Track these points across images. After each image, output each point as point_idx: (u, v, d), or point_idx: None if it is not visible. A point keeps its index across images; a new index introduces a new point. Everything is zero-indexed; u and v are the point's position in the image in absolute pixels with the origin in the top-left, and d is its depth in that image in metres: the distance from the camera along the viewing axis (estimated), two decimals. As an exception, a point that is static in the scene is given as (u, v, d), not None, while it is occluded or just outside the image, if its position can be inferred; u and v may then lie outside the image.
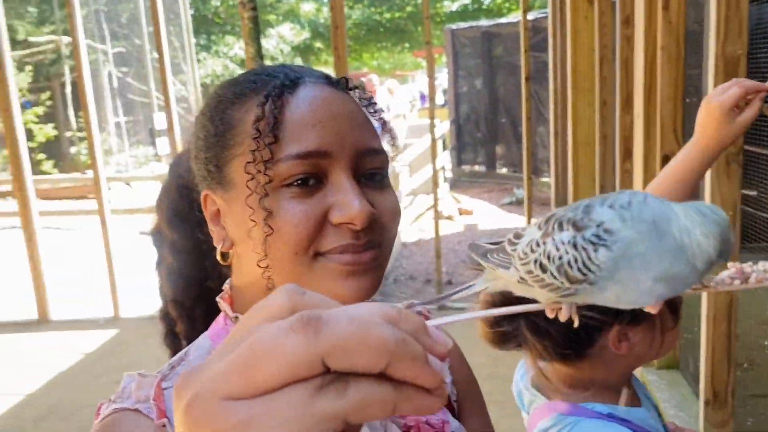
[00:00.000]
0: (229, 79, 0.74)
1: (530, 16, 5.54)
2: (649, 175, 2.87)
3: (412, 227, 7.65)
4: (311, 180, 0.66)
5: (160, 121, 9.15)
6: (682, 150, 1.15)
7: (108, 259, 5.02)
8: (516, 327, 1.08)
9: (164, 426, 0.63)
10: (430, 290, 5.57)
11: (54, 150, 13.03)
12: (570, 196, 4.92)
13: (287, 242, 0.65)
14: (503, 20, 12.22)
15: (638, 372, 1.24)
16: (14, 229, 6.97)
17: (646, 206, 0.47)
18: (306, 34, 19.12)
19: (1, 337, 4.89)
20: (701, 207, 0.47)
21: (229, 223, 0.70)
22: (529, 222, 4.74)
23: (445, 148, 10.27)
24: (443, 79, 14.03)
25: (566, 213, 0.50)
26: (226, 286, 0.77)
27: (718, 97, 1.09)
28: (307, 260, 0.66)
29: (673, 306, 1.13)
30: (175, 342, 0.87)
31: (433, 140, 4.96)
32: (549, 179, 6.86)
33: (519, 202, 8.25)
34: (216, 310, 0.77)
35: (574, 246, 0.47)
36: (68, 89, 12.97)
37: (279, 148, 0.65)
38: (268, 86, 0.68)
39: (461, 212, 8.28)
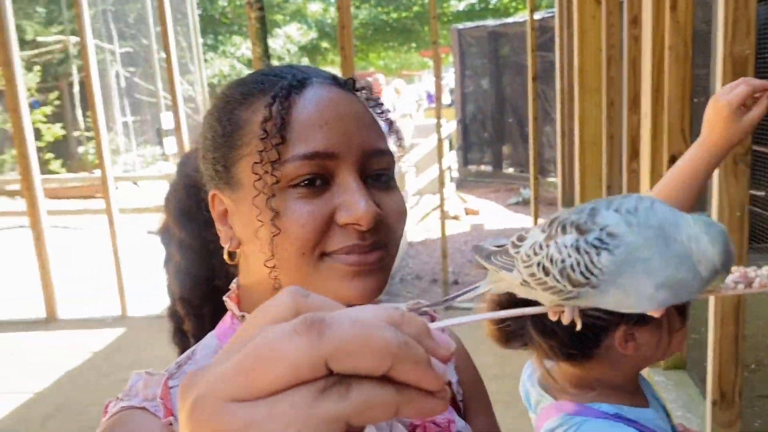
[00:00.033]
0: (236, 80, 0.74)
1: (537, 16, 5.53)
2: (656, 175, 2.86)
3: (419, 227, 7.64)
4: (318, 181, 0.66)
5: (167, 120, 9.18)
6: (689, 150, 1.15)
7: (115, 258, 5.04)
8: (522, 326, 1.08)
9: (171, 424, 0.63)
10: (436, 290, 5.57)
11: (62, 149, 13.08)
12: (577, 196, 4.90)
13: (294, 242, 0.65)
14: (510, 20, 12.20)
15: (645, 372, 1.23)
16: (22, 228, 7.01)
17: (653, 212, 0.46)
18: (313, 34, 19.13)
19: (9, 336, 4.92)
20: (705, 218, 0.47)
21: (236, 223, 0.71)
22: (535, 222, 4.73)
23: (451, 148, 10.26)
24: (450, 78, 14.03)
25: (570, 216, 0.49)
26: (233, 286, 0.77)
27: (725, 95, 1.08)
28: (314, 260, 0.66)
29: (680, 307, 1.13)
30: (183, 340, 0.88)
31: (440, 140, 4.96)
32: (556, 179, 6.85)
33: (525, 202, 8.24)
34: (224, 309, 0.78)
35: (577, 249, 0.47)
36: (76, 89, 13.02)
37: (286, 148, 0.65)
38: (275, 87, 0.68)
39: (467, 212, 8.27)
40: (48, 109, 12.60)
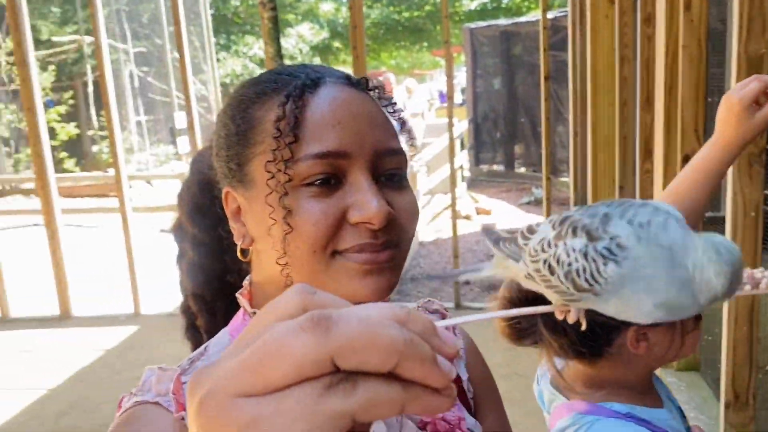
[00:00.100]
0: (250, 78, 0.75)
1: (550, 15, 5.50)
2: (669, 176, 2.84)
3: (430, 226, 7.64)
4: (331, 180, 0.66)
5: (180, 120, 9.25)
6: (703, 149, 1.14)
7: (129, 257, 5.07)
8: (533, 324, 1.08)
9: (183, 419, 0.63)
10: (447, 289, 5.57)
11: (76, 148, 13.19)
12: (589, 196, 4.88)
13: (306, 240, 0.66)
14: (522, 19, 12.16)
15: (657, 373, 1.23)
16: (37, 226, 7.08)
17: (665, 230, 0.46)
18: (325, 34, 19.17)
19: (23, 333, 4.96)
20: (718, 245, 0.46)
21: (249, 221, 0.71)
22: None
23: (463, 148, 10.25)
24: (462, 78, 14.00)
25: (582, 218, 0.49)
26: (245, 283, 0.78)
27: (737, 92, 1.08)
28: (325, 258, 0.67)
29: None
30: (196, 336, 0.88)
31: (451, 139, 4.95)
32: (568, 179, 6.82)
33: (537, 202, 8.22)
34: (236, 305, 0.78)
35: (585, 255, 0.47)
36: (90, 88, 13.12)
37: (299, 147, 0.66)
38: (289, 86, 0.68)
39: (479, 212, 8.26)
40: (62, 109, 12.71)
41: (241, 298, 0.76)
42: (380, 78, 0.77)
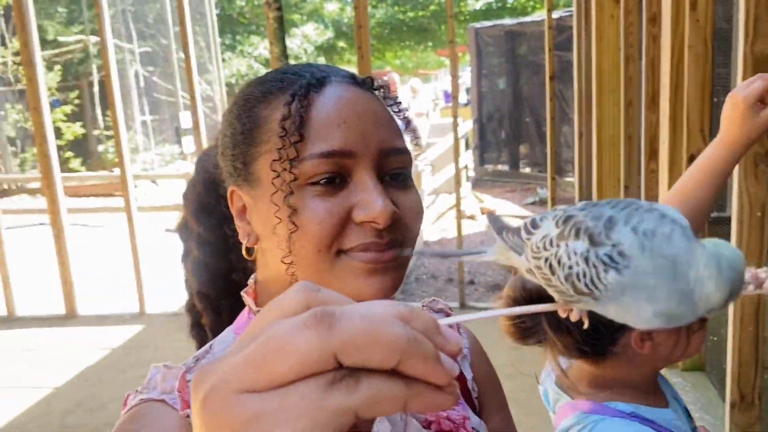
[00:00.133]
0: (256, 78, 0.75)
1: (555, 15, 5.50)
2: (674, 176, 2.84)
3: (435, 226, 7.64)
4: (336, 179, 0.67)
5: (185, 119, 9.26)
6: (708, 148, 1.14)
7: (134, 256, 5.09)
8: (537, 323, 1.08)
9: (188, 416, 0.64)
10: (452, 289, 5.56)
11: (82, 148, 13.23)
12: (594, 196, 4.87)
13: (311, 239, 0.66)
14: (527, 19, 12.15)
15: (663, 373, 1.23)
16: (43, 225, 7.10)
17: (669, 242, 0.46)
18: (329, 34, 19.17)
19: (29, 332, 4.98)
20: (721, 258, 0.46)
21: (254, 219, 0.72)
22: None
23: (467, 147, 10.24)
24: (466, 77, 13.99)
25: (586, 220, 0.49)
26: (250, 281, 0.78)
27: (741, 91, 1.07)
28: (330, 257, 0.67)
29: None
30: (201, 334, 0.89)
31: (456, 139, 4.95)
32: (573, 179, 6.81)
33: (542, 202, 8.21)
34: (241, 304, 0.78)
35: (586, 260, 0.47)
36: (96, 88, 13.16)
37: (304, 146, 0.66)
38: (294, 85, 0.69)
39: (483, 212, 8.25)
40: (68, 108, 12.75)
41: (246, 296, 0.77)
42: (384, 78, 0.78)
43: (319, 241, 0.66)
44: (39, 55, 4.97)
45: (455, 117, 4.85)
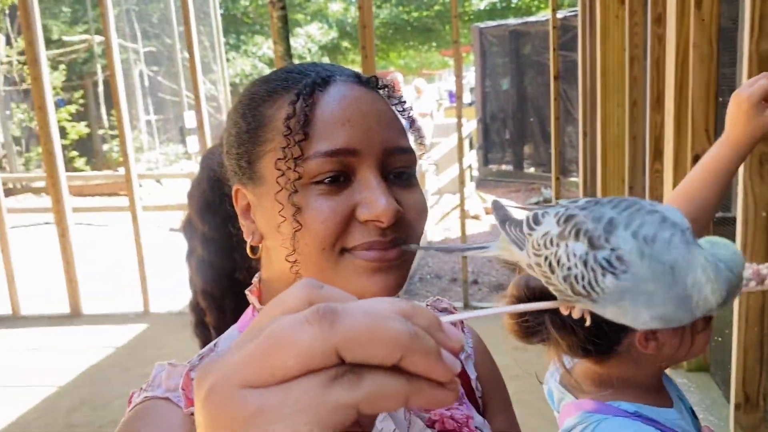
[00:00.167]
0: (261, 77, 0.75)
1: (559, 15, 5.48)
2: (679, 176, 2.83)
3: (438, 226, 7.64)
4: (340, 177, 0.67)
5: (190, 119, 9.27)
6: (713, 147, 1.13)
7: (139, 255, 5.10)
8: (541, 321, 1.08)
9: (192, 414, 0.64)
10: (456, 289, 5.56)
11: (86, 147, 13.26)
12: (598, 196, 4.86)
13: (314, 238, 0.66)
14: (532, 19, 12.13)
15: (668, 374, 1.22)
16: (48, 224, 7.12)
17: (668, 247, 0.46)
18: (334, 34, 19.19)
19: (34, 331, 5.00)
20: (719, 260, 0.46)
21: (258, 218, 0.72)
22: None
23: (472, 147, 10.23)
24: (471, 77, 13.98)
25: (587, 221, 0.48)
26: (255, 280, 0.78)
27: (746, 90, 1.07)
28: (334, 256, 0.67)
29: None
30: (205, 332, 0.89)
31: (460, 139, 4.95)
32: (577, 179, 6.80)
33: (547, 202, 8.18)
34: (245, 303, 0.79)
35: (585, 263, 0.47)
36: (101, 88, 13.18)
37: (309, 145, 0.66)
38: (299, 84, 0.69)
39: (487, 212, 8.24)
40: (73, 108, 12.78)
41: (250, 295, 0.77)
42: (388, 78, 0.78)
43: (323, 240, 0.66)
44: (44, 54, 4.99)
45: (459, 117, 4.85)
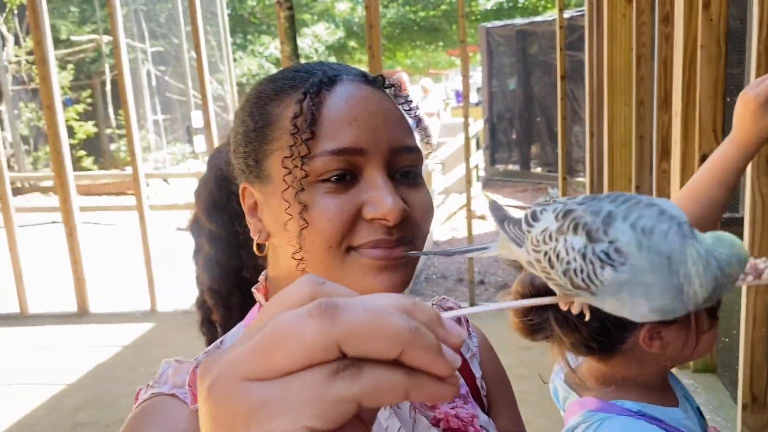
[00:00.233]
0: (268, 76, 0.76)
1: (566, 14, 5.46)
2: (686, 176, 2.82)
3: (445, 226, 7.63)
4: (347, 176, 0.67)
5: (197, 119, 9.31)
6: (720, 147, 1.13)
7: (146, 254, 5.12)
8: (545, 319, 1.08)
9: (198, 411, 0.64)
10: (462, 289, 5.56)
11: (94, 147, 13.31)
12: (605, 196, 4.84)
13: (321, 236, 0.67)
14: (538, 18, 12.11)
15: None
16: (55, 224, 7.16)
17: (665, 238, 0.46)
18: (340, 33, 19.19)
19: (41, 329, 5.02)
20: (715, 254, 0.46)
21: (265, 216, 0.72)
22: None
23: (478, 147, 10.22)
24: (477, 77, 13.96)
25: (585, 215, 0.49)
26: (261, 278, 0.79)
27: (753, 90, 1.07)
28: (340, 254, 0.68)
29: (710, 308, 1.12)
30: (211, 330, 0.89)
31: (467, 139, 4.94)
32: (584, 179, 6.78)
33: (554, 201, 8.16)
34: (251, 300, 0.79)
35: (583, 257, 0.47)
36: (108, 87, 13.24)
37: (316, 144, 0.66)
38: (306, 83, 0.69)
39: (494, 212, 8.23)
40: (81, 107, 12.83)
41: (256, 292, 0.77)
42: (393, 77, 0.78)
43: (329, 238, 0.66)
44: (52, 53, 5.01)
45: (466, 117, 4.84)
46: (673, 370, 1.20)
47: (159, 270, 5.21)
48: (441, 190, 7.94)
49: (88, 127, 12.73)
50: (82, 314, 5.22)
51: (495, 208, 0.60)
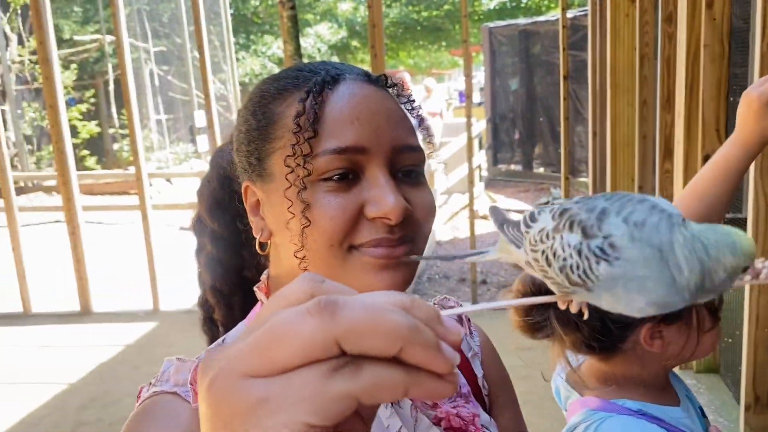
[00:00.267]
0: (272, 75, 0.76)
1: (569, 14, 5.46)
2: (689, 176, 2.82)
3: (447, 226, 7.63)
4: (349, 175, 0.67)
5: (200, 118, 9.30)
6: (722, 146, 1.13)
7: (149, 253, 5.12)
8: (546, 317, 1.08)
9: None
10: (464, 289, 5.56)
11: (97, 146, 13.32)
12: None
13: (323, 234, 0.67)
14: (541, 18, 12.10)
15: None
16: (58, 223, 7.17)
17: (657, 231, 0.47)
18: (343, 33, 19.20)
19: (45, 328, 5.03)
20: (702, 239, 0.46)
21: (268, 214, 0.72)
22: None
23: (481, 147, 10.22)
24: (480, 77, 13.96)
25: (580, 212, 0.49)
26: (263, 276, 0.79)
27: (756, 89, 1.06)
28: (342, 253, 0.68)
29: (712, 308, 1.11)
30: (213, 329, 0.90)
31: (469, 139, 4.94)
32: (587, 179, 6.77)
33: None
34: (253, 299, 0.79)
35: (579, 252, 0.48)
36: (111, 87, 13.25)
37: (318, 142, 0.66)
38: (309, 82, 0.69)
39: (497, 212, 8.22)
40: (84, 107, 12.85)
41: (258, 291, 0.78)
42: (395, 77, 0.78)
43: (331, 236, 0.67)
44: (55, 53, 5.02)
45: (469, 117, 4.84)
46: (676, 371, 1.20)
47: (162, 269, 5.22)
48: (443, 190, 7.94)
49: (91, 127, 12.74)
50: (84, 313, 5.23)
51: (495, 212, 0.61)
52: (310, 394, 0.29)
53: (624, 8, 4.37)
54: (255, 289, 0.78)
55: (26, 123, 12.51)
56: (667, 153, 3.40)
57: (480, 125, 9.89)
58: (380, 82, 0.73)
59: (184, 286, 4.70)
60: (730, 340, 3.12)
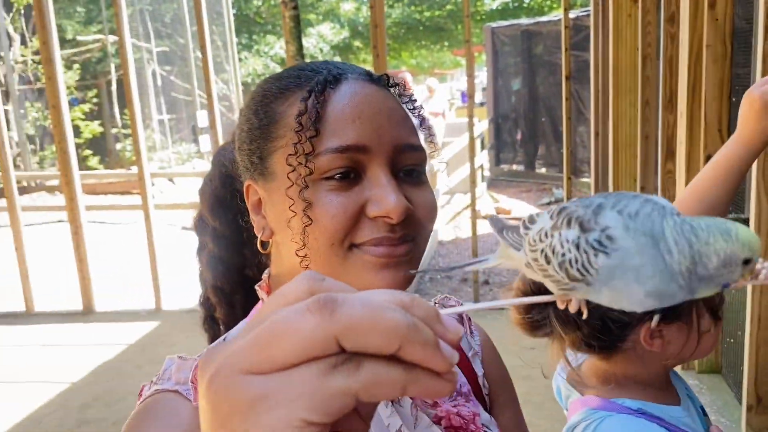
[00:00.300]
0: (274, 74, 0.76)
1: (572, 15, 5.46)
2: (692, 176, 2.81)
3: (449, 226, 7.63)
4: (351, 174, 0.67)
5: (202, 118, 9.32)
6: (724, 146, 1.13)
7: (151, 253, 5.13)
8: (546, 316, 1.08)
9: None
10: (466, 289, 5.56)
11: (100, 146, 13.34)
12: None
13: (324, 233, 0.67)
14: (544, 18, 12.09)
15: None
16: (61, 222, 7.18)
17: (649, 219, 0.47)
18: (345, 33, 19.20)
19: (47, 328, 5.04)
20: (692, 224, 0.47)
21: (269, 213, 0.73)
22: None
23: (483, 147, 10.21)
24: (483, 77, 13.95)
25: (578, 209, 0.50)
26: (264, 275, 0.79)
27: (758, 89, 1.06)
28: (343, 251, 0.68)
29: (712, 307, 1.11)
30: (214, 327, 0.90)
31: (472, 139, 4.94)
32: (589, 179, 6.77)
33: (558, 203, 8.16)
34: (255, 298, 0.79)
35: (577, 247, 0.48)
36: (114, 87, 13.27)
37: (320, 141, 0.67)
38: (311, 81, 0.70)
39: (499, 212, 8.23)
40: (87, 107, 12.86)
41: (260, 290, 0.78)
42: (397, 77, 0.78)
43: (332, 235, 0.67)
44: (58, 53, 5.03)
45: (471, 117, 4.84)
46: (678, 370, 1.20)
47: (164, 269, 5.22)
48: (446, 190, 7.94)
49: (94, 127, 12.76)
50: (87, 313, 5.24)
51: (494, 221, 0.61)
52: (309, 391, 0.30)
53: (626, 8, 4.37)
54: (256, 287, 0.78)
55: (29, 123, 12.52)
56: (670, 153, 3.40)
57: (482, 125, 9.89)
58: (382, 81, 0.73)
59: (186, 286, 4.70)
60: (732, 341, 3.11)
